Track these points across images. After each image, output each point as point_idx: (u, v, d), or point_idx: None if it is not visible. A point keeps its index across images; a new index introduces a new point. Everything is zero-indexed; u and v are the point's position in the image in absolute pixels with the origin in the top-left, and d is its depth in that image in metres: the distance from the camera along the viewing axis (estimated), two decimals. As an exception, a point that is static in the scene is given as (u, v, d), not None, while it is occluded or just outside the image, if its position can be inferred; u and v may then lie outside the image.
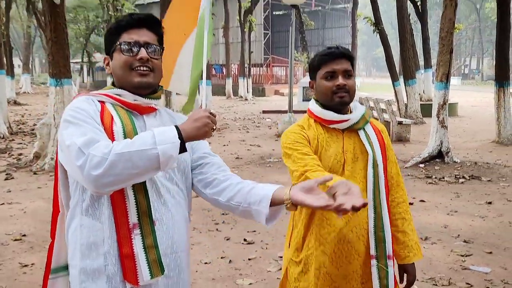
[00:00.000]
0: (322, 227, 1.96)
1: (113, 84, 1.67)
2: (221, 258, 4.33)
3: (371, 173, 1.93)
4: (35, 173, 7.75)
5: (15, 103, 22.62)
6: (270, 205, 1.54)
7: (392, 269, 1.96)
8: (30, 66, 38.52)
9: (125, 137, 1.50)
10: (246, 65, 28.55)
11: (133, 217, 1.51)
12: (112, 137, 1.49)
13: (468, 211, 5.74)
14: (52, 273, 1.67)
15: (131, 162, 1.38)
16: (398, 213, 2.04)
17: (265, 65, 36.20)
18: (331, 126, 1.99)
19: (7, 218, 5.51)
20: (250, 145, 10.85)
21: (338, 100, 1.94)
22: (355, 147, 1.98)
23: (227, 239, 4.80)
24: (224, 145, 10.74)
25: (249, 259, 4.29)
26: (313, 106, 2.04)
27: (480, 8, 55.05)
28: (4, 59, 13.34)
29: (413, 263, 2.06)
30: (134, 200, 1.51)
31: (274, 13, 40.86)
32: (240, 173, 7.77)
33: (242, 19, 26.84)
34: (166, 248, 1.58)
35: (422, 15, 17.88)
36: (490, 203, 6.06)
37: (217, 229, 5.10)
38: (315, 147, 1.97)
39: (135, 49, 1.59)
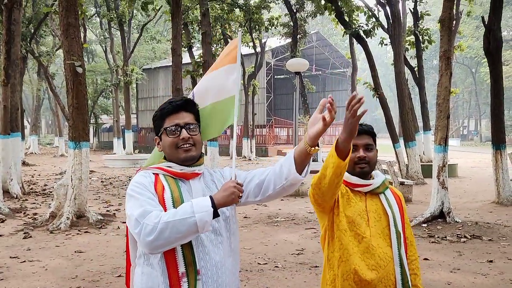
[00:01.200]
0: (349, 274, 2.19)
1: (164, 158, 2.13)
2: None
3: (394, 231, 2.24)
4: (51, 232, 8.03)
5: (24, 163, 23.05)
6: (298, 162, 1.99)
7: None
8: (37, 127, 39.29)
9: (173, 203, 1.95)
10: (249, 126, 29.28)
11: (181, 267, 1.93)
12: (163, 203, 1.95)
13: (471, 269, 5.99)
14: None
15: (176, 228, 1.82)
16: (412, 269, 2.32)
17: (268, 126, 37.01)
18: (356, 189, 2.32)
19: (29, 275, 5.77)
20: (257, 205, 11.15)
21: (358, 170, 2.30)
22: (377, 209, 2.30)
23: None
24: (232, 205, 11.02)
25: None
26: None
27: (475, 72, 56.76)
28: (19, 122, 13.89)
29: None
30: (182, 253, 1.94)
31: (276, 77, 42.21)
32: (250, 232, 8.05)
33: (246, 83, 27.84)
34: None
35: (419, 80, 18.69)
36: (491, 261, 6.31)
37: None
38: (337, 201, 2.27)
39: (177, 131, 2.04)
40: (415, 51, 18.73)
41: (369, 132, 2.34)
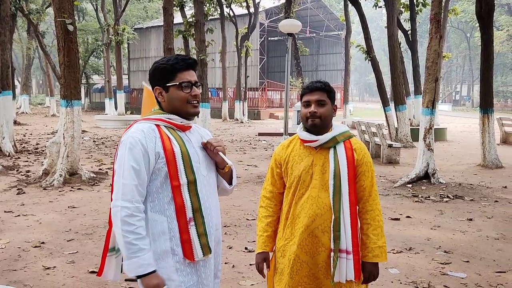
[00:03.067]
0: (295, 223, 2.46)
1: (160, 108, 2.25)
2: (225, 263, 4.77)
3: (331, 183, 2.40)
4: (44, 189, 8.19)
5: (16, 123, 23.03)
6: (224, 177, 2.40)
7: (348, 261, 2.37)
8: (28, 87, 38.93)
9: (182, 157, 2.14)
10: (242, 89, 29.23)
11: (189, 213, 2.13)
12: (173, 157, 2.12)
13: (450, 226, 6.24)
14: (109, 251, 2.24)
15: (120, 242, 2.04)
16: (365, 219, 2.46)
17: (261, 89, 36.93)
18: (305, 144, 2.49)
19: (24, 228, 5.95)
20: (248, 165, 11.36)
21: (310, 123, 2.44)
22: (324, 162, 2.44)
23: (230, 248, 5.26)
24: (223, 165, 11.20)
25: (250, 264, 4.74)
26: (298, 127, 2.57)
27: (470, 36, 56.45)
28: (10, 80, 13.81)
29: (374, 263, 2.45)
30: (190, 201, 2.13)
31: (269, 39, 41.83)
32: (240, 191, 8.26)
33: (239, 45, 27.63)
34: (212, 229, 2.20)
35: (412, 44, 18.66)
36: (471, 219, 6.56)
37: (220, 239, 5.55)
38: (285, 163, 2.53)
39: (189, 88, 2.20)
40: (409, 14, 18.63)
41: (321, 88, 2.46)
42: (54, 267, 4.64)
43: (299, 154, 2.50)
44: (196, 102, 2.22)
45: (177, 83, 2.18)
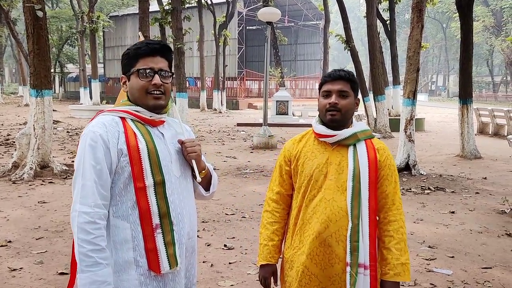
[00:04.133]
0: (304, 230, 2.15)
1: (129, 100, 1.97)
2: (203, 262, 4.57)
3: (350, 186, 2.09)
4: (14, 183, 7.82)
5: (-14, 113, 22.33)
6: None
7: (365, 278, 2.07)
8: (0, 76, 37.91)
9: (149, 155, 1.86)
10: (220, 79, 28.88)
11: (155, 219, 1.85)
12: (138, 154, 1.84)
13: (433, 219, 6.15)
14: None
15: (77, 247, 1.76)
16: (387, 231, 2.13)
17: (239, 78, 36.61)
18: (321, 139, 2.20)
19: (-10, 225, 5.63)
20: (226, 156, 11.13)
21: (329, 117, 2.15)
22: (342, 161, 2.14)
23: (208, 245, 5.05)
24: (201, 157, 10.96)
25: (229, 263, 4.55)
26: (314, 120, 2.28)
27: (446, 27, 57.03)
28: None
29: (395, 282, 2.11)
30: (156, 205, 1.85)
31: (248, 28, 41.42)
32: (219, 184, 7.99)
33: (217, 33, 27.24)
34: (183, 238, 1.93)
35: (390, 34, 18.62)
36: (453, 212, 6.48)
37: (198, 236, 5.32)
38: (296, 160, 2.23)
39: (150, 75, 1.90)
40: (388, 4, 18.55)
41: (345, 77, 2.17)
42: (21, 268, 4.35)
43: (312, 150, 2.21)
44: (158, 93, 1.91)
45: (136, 70, 1.91)
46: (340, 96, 2.15)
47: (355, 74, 2.27)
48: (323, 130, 2.19)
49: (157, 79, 1.90)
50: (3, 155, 10.70)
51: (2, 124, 18.21)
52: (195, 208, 2.10)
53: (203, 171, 2.08)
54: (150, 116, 1.94)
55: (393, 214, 2.15)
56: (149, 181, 1.84)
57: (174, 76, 2.07)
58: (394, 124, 14.93)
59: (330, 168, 2.14)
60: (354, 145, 2.16)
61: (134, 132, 1.88)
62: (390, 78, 20.93)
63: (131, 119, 1.92)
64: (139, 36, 2.72)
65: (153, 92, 1.90)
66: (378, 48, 16.04)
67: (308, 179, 2.16)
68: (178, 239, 1.91)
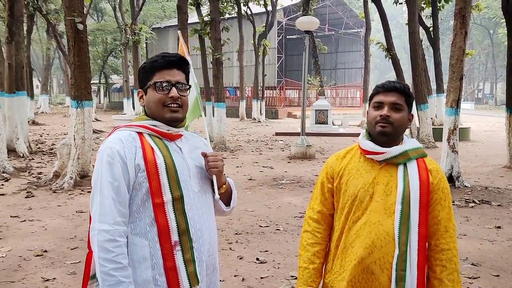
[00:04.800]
0: (346, 254, 2.01)
1: (146, 114, 1.94)
2: (234, 276, 4.47)
3: (399, 209, 1.93)
4: (54, 192, 7.99)
5: (34, 123, 23.15)
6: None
7: None
8: (48, 87, 39.33)
9: (166, 169, 1.81)
10: (259, 88, 28.92)
11: (174, 236, 1.79)
12: (156, 169, 1.80)
13: (477, 234, 5.84)
14: (90, 279, 1.92)
15: (95, 266, 1.74)
16: (439, 260, 1.97)
17: (278, 88, 36.58)
18: (368, 156, 2.05)
19: (28, 234, 5.73)
20: (263, 166, 11.04)
21: (379, 129, 1.99)
22: (390, 181, 1.98)
23: (240, 258, 4.95)
24: (237, 167, 10.93)
25: (261, 278, 4.43)
26: (360, 134, 2.14)
27: (493, 33, 55.23)
28: (25, 80, 13.75)
29: None
30: (175, 221, 1.80)
31: (287, 37, 41.43)
32: (253, 195, 7.95)
33: (256, 43, 27.31)
34: (203, 255, 1.87)
35: (434, 41, 18.14)
36: (499, 227, 6.14)
37: (230, 248, 5.26)
38: (339, 178, 2.09)
39: (167, 88, 1.86)
40: (431, 10, 18.08)
41: (400, 89, 2.01)
42: (54, 278, 4.39)
43: (358, 168, 2.05)
44: (175, 105, 1.88)
45: (152, 83, 1.88)
46: (393, 109, 2.00)
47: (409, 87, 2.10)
48: (370, 146, 2.03)
49: (174, 92, 1.87)
50: (46, 164, 10.99)
51: (48, 134, 18.80)
52: (215, 224, 2.02)
53: (224, 186, 2.02)
54: (168, 130, 1.90)
55: (446, 242, 1.97)
56: (167, 196, 1.80)
57: (191, 87, 2.02)
58: (438, 134, 14.43)
59: (376, 189, 1.99)
60: (405, 165, 2.00)
61: (152, 147, 1.85)
62: (433, 86, 20.35)
63: (148, 134, 1.89)
64: (178, 36, 2.70)
65: (170, 105, 1.87)
66: (420, 55, 15.62)
67: (352, 200, 2.01)
68: (198, 257, 1.85)
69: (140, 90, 1.95)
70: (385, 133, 1.98)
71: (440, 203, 1.98)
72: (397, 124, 1.98)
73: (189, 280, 1.80)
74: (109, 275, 1.69)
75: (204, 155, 1.97)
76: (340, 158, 2.15)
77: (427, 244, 1.97)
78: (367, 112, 2.10)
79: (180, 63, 1.93)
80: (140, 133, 1.88)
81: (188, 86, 1.95)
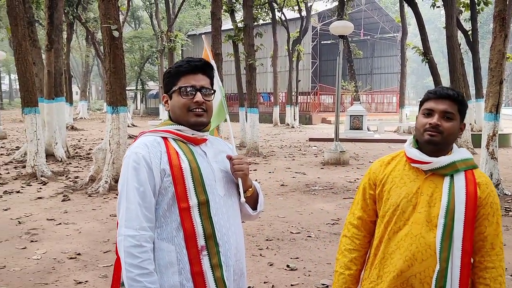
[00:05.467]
0: (384, 264, 1.97)
1: (170, 119, 1.95)
2: (264, 283, 4.43)
3: (442, 223, 1.86)
4: (90, 196, 8.15)
5: (72, 128, 23.79)
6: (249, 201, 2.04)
7: None
8: (87, 93, 40.34)
9: (192, 174, 1.81)
10: (293, 93, 28.84)
11: (200, 241, 1.78)
12: (181, 174, 1.79)
13: (518, 245, 5.60)
14: (121, 285, 1.91)
15: (122, 271, 1.74)
16: (483, 278, 1.89)
17: (313, 93, 36.39)
18: (413, 164, 1.98)
19: (63, 237, 5.85)
20: (296, 172, 10.96)
21: (427, 138, 1.91)
22: (435, 193, 1.91)
23: (270, 265, 4.90)
24: (270, 172, 10.89)
25: (291, 285, 4.37)
26: (407, 141, 2.07)
27: (536, 36, 53.39)
28: (64, 87, 14.15)
29: None
30: (201, 227, 1.79)
31: (322, 42, 41.21)
32: (285, 200, 7.89)
33: (290, 49, 27.27)
34: (230, 260, 1.85)
35: (473, 45, 17.65)
36: (542, 238, 5.88)
37: (260, 255, 5.21)
38: (381, 185, 2.04)
39: (192, 93, 1.87)
40: (469, 13, 17.62)
41: (453, 97, 1.91)
42: (86, 281, 4.45)
43: (402, 176, 1.98)
44: (200, 110, 1.88)
45: (177, 88, 1.88)
46: (443, 118, 1.90)
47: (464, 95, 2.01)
48: (416, 155, 1.95)
49: (199, 97, 1.87)
50: (83, 169, 11.24)
51: (86, 139, 19.26)
52: (242, 228, 2.00)
53: (250, 189, 2.00)
54: (192, 134, 1.91)
55: (492, 260, 1.88)
56: (193, 201, 1.79)
57: (215, 92, 2.02)
58: (477, 140, 13.99)
59: (420, 199, 1.91)
60: (452, 176, 1.91)
61: (177, 152, 1.84)
62: (472, 91, 19.80)
63: (173, 139, 1.89)
64: (203, 40, 2.72)
65: (194, 109, 1.88)
66: (458, 59, 15.19)
67: (393, 209, 1.95)
68: (225, 261, 1.83)
69: (165, 95, 1.95)
70: (433, 142, 1.90)
71: (487, 218, 1.89)
72: (447, 133, 1.90)
73: (217, 285, 1.78)
74: (135, 281, 1.69)
75: (229, 158, 1.96)
76: (384, 165, 2.09)
77: (471, 260, 1.90)
78: (416, 118, 2.02)
79: (205, 68, 1.93)
80: (165, 138, 1.88)
81: (212, 91, 1.96)
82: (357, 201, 2.14)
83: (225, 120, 2.53)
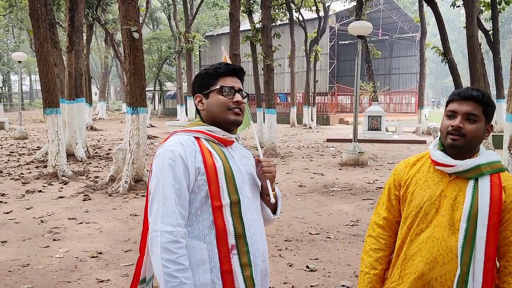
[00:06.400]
0: (406, 265, 1.97)
1: (201, 119, 1.99)
2: (284, 283, 4.43)
3: (463, 227, 1.85)
4: (110, 195, 8.25)
5: (92, 128, 24.07)
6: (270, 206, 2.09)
7: None
8: (106, 94, 40.77)
9: (225, 173, 1.85)
10: (311, 94, 28.77)
11: (231, 240, 1.81)
12: (215, 173, 1.83)
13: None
14: (140, 283, 1.98)
15: (156, 268, 1.76)
16: (507, 283, 1.86)
17: (330, 93, 36.26)
18: (437, 167, 1.97)
19: (85, 236, 5.93)
20: (314, 173, 10.93)
21: (450, 141, 1.90)
22: (458, 196, 1.89)
23: (290, 265, 4.90)
24: (288, 173, 10.89)
25: (311, 286, 4.37)
26: (433, 143, 2.06)
27: (559, 35, 52.46)
28: (84, 88, 14.33)
29: None
30: (232, 226, 1.83)
31: (340, 42, 41.03)
32: (304, 201, 7.88)
33: (308, 49, 27.22)
34: (258, 260, 1.89)
35: (494, 45, 17.42)
36: None
37: (280, 255, 5.22)
38: (405, 186, 2.04)
39: (232, 93, 1.93)
40: (490, 12, 17.38)
41: (477, 98, 1.88)
42: (108, 280, 4.51)
43: (426, 179, 1.97)
44: (238, 109, 1.95)
45: (218, 87, 1.94)
46: (467, 120, 1.88)
47: (490, 95, 1.98)
48: (440, 157, 1.94)
49: (238, 97, 1.95)
50: (102, 169, 11.37)
51: (105, 139, 19.48)
52: (264, 229, 2.03)
53: (273, 192, 2.04)
54: (223, 135, 1.95)
55: None
56: (225, 200, 1.83)
57: (248, 95, 2.10)
58: (498, 141, 13.80)
59: (443, 203, 1.90)
60: (476, 179, 1.89)
61: (210, 151, 1.89)
62: (493, 91, 19.54)
63: (205, 139, 1.93)
64: (222, 51, 2.75)
65: (234, 108, 1.94)
66: (479, 60, 14.99)
67: (416, 211, 1.94)
68: (253, 261, 1.86)
69: (198, 94, 1.99)
70: (456, 146, 1.88)
71: (507, 222, 1.86)
72: (470, 136, 1.87)
73: (246, 284, 1.81)
74: (172, 277, 1.71)
75: (258, 161, 2.02)
76: (409, 166, 2.08)
77: (497, 265, 1.88)
78: (442, 120, 2.01)
79: (239, 72, 2.02)
80: (197, 138, 1.92)
81: (246, 94, 2.03)
82: (383, 202, 2.14)
83: (249, 126, 2.61)
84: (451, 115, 1.92)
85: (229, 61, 2.46)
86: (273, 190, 2.04)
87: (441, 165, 1.93)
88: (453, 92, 1.98)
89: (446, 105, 1.98)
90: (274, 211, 2.10)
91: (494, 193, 1.85)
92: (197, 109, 2.02)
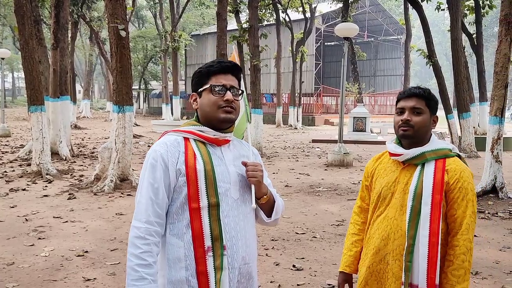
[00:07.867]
0: (368, 243, 2.28)
1: (197, 118, 2.01)
2: (271, 282, 4.46)
3: (409, 206, 2.11)
4: (95, 194, 8.19)
5: (76, 127, 23.85)
6: (264, 209, 2.08)
7: None
8: (90, 92, 40.38)
9: (205, 176, 1.86)
10: (296, 95, 28.87)
11: (207, 242, 1.84)
12: (195, 175, 1.86)
13: (522, 248, 5.63)
14: None
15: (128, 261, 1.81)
16: (449, 255, 2.09)
17: (316, 94, 36.42)
18: (392, 157, 2.26)
19: (70, 235, 5.89)
20: (299, 173, 10.99)
21: (401, 133, 2.17)
22: (409, 181, 2.16)
23: (277, 265, 4.93)
24: (274, 173, 10.92)
25: (297, 285, 4.40)
26: (391, 138, 2.34)
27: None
28: (69, 85, 14.20)
29: None
30: (209, 226, 1.85)
31: (326, 44, 41.25)
32: (290, 201, 7.92)
33: (294, 50, 27.32)
34: (236, 263, 1.90)
35: (477, 48, 17.69)
36: (546, 241, 5.90)
37: (266, 254, 5.25)
38: (371, 176, 2.37)
39: (222, 92, 1.93)
40: (474, 16, 17.65)
41: (419, 94, 2.18)
42: (95, 279, 4.49)
43: (385, 168, 2.30)
44: (229, 108, 1.94)
45: (208, 86, 1.95)
46: (413, 113, 2.16)
47: (431, 91, 2.26)
48: (392, 148, 2.24)
49: (229, 95, 1.94)
50: (87, 167, 11.29)
51: (89, 138, 19.32)
52: (255, 232, 2.03)
53: (265, 197, 2.02)
54: (214, 135, 1.96)
55: (457, 239, 2.08)
56: (203, 202, 1.85)
57: (243, 92, 2.10)
58: (480, 143, 14.04)
59: (397, 187, 2.19)
60: (423, 165, 2.16)
61: (194, 153, 1.90)
62: (476, 94, 19.81)
63: (194, 139, 1.95)
64: (234, 50, 2.74)
65: (224, 107, 1.94)
66: (463, 63, 15.23)
67: (377, 196, 2.24)
68: (230, 263, 1.87)
69: (193, 93, 2.02)
70: (406, 136, 2.17)
71: (456, 201, 2.09)
72: (418, 126, 2.15)
73: (215, 287, 1.84)
74: (134, 270, 1.77)
75: (244, 164, 2.00)
76: (375, 160, 2.40)
77: (440, 239, 2.09)
78: (394, 118, 2.31)
79: (234, 69, 2.01)
80: (186, 139, 1.94)
81: (240, 92, 2.02)
82: (359, 192, 2.48)
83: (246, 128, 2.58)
84: (400, 111, 2.20)
85: (237, 60, 2.45)
86: (265, 194, 2.01)
87: (394, 155, 2.23)
88: (399, 92, 2.27)
89: (396, 104, 2.26)
90: (270, 214, 2.07)
91: (437, 175, 2.11)
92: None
